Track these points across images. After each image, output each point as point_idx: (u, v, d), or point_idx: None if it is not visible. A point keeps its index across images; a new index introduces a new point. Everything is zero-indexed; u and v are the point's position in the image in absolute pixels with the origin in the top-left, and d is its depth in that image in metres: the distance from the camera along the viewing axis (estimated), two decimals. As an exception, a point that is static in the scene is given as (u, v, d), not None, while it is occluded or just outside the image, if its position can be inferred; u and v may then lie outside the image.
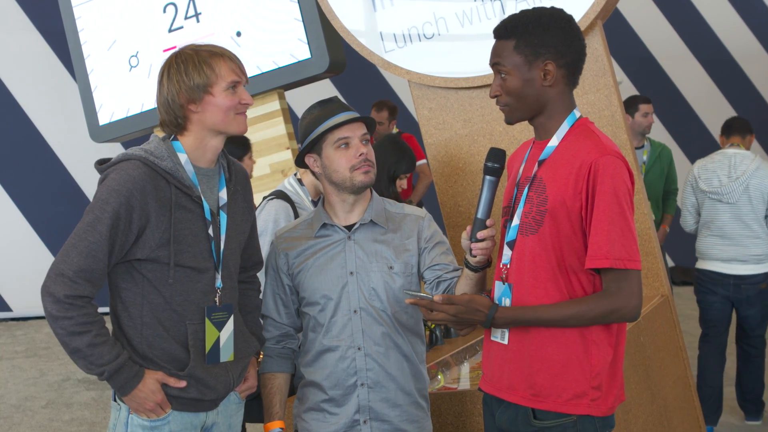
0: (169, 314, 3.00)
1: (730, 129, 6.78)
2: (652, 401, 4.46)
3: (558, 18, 2.94)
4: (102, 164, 3.03)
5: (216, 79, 2.98)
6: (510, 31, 2.93)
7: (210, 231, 3.06)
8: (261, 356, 3.45)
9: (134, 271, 2.98)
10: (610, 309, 2.80)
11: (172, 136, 3.08)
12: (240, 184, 3.24)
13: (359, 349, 3.29)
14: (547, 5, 4.57)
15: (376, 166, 3.35)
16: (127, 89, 7.56)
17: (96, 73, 7.75)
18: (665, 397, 4.67)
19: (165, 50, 7.16)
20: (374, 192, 3.47)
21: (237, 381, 3.20)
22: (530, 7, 4.55)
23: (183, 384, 3.00)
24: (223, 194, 3.13)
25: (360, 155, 3.30)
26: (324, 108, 3.37)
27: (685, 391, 5.01)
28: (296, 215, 4.19)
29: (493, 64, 2.96)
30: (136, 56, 7.47)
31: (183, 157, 3.04)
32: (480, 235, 2.95)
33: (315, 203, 4.34)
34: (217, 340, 3.08)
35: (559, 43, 2.89)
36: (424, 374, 3.42)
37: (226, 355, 3.12)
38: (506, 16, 4.86)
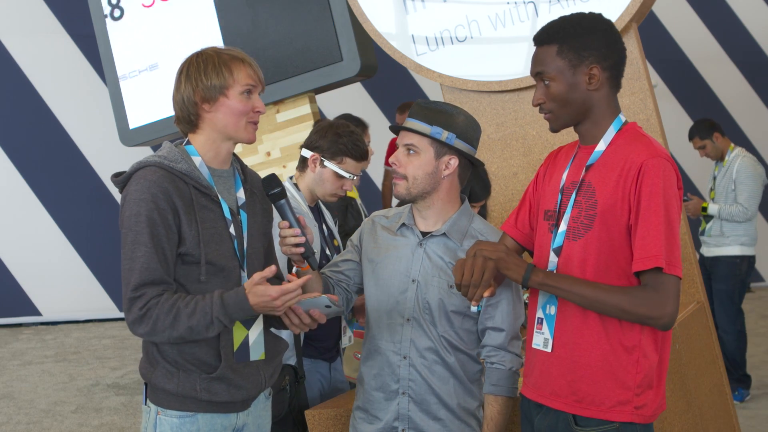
0: None
1: None
2: (688, 409, 4.40)
3: (599, 21, 2.91)
4: (118, 176, 3.04)
5: (233, 82, 3.02)
6: (551, 36, 2.89)
7: (232, 230, 3.06)
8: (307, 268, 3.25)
9: None
10: (647, 315, 2.74)
11: (186, 141, 3.11)
12: (256, 188, 3.23)
13: (405, 358, 3.27)
14: (582, 8, 4.54)
15: (411, 179, 3.26)
16: (157, 92, 7.53)
17: (126, 76, 7.73)
18: (701, 406, 4.61)
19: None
20: (466, 205, 3.39)
21: (269, 382, 3.18)
22: (563, 10, 4.54)
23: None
24: (241, 194, 3.14)
25: (393, 165, 3.27)
26: None
27: (722, 399, 4.93)
28: None
29: (536, 72, 2.93)
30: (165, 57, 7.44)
31: (197, 160, 3.06)
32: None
33: (312, 209, 4.25)
34: (246, 338, 3.06)
35: (601, 45, 2.86)
36: (474, 392, 3.35)
37: (257, 353, 3.10)
38: (539, 18, 4.85)
